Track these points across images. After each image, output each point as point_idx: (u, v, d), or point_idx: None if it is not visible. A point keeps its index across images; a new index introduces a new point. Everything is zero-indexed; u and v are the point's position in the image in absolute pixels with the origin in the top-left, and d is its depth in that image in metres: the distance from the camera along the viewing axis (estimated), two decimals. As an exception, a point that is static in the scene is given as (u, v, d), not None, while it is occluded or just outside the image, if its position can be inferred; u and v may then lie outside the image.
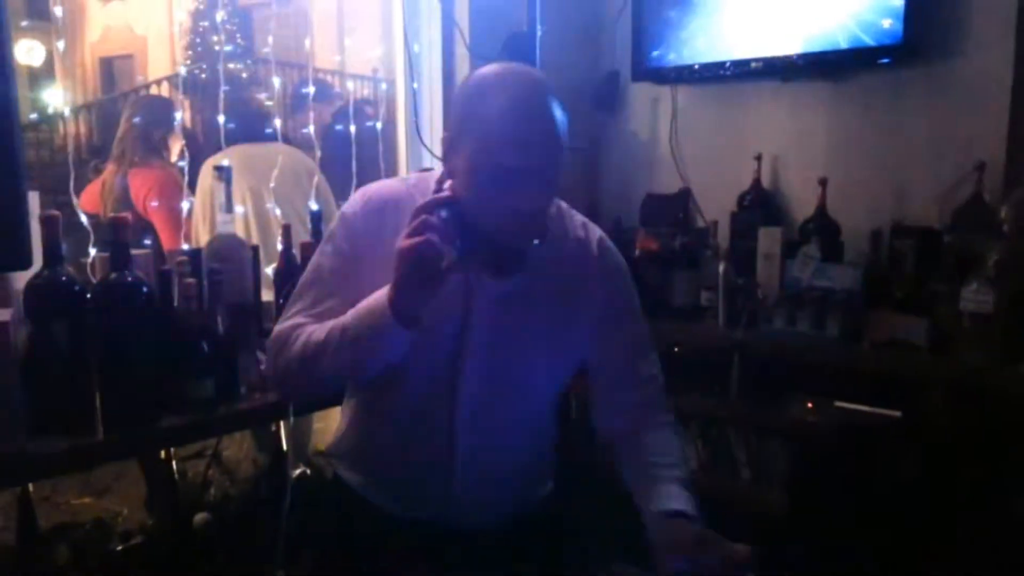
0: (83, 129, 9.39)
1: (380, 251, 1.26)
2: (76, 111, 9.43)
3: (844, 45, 2.38)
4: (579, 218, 1.46)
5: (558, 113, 1.22)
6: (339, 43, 8.65)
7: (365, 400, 1.46)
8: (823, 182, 2.39)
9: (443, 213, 1.17)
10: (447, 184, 1.28)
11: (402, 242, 1.14)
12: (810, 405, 2.23)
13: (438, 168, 1.41)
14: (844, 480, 2.08)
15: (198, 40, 10.67)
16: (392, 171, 2.74)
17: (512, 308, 1.34)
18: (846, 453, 2.09)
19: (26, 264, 1.15)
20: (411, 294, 1.17)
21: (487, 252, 1.26)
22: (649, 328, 1.49)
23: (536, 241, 1.27)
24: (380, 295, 1.20)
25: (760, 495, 2.29)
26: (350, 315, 1.25)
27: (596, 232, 1.46)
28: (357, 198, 1.41)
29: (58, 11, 1.93)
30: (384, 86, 2.85)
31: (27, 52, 10.71)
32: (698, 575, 1.12)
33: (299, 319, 1.33)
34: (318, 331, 1.28)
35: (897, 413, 2.07)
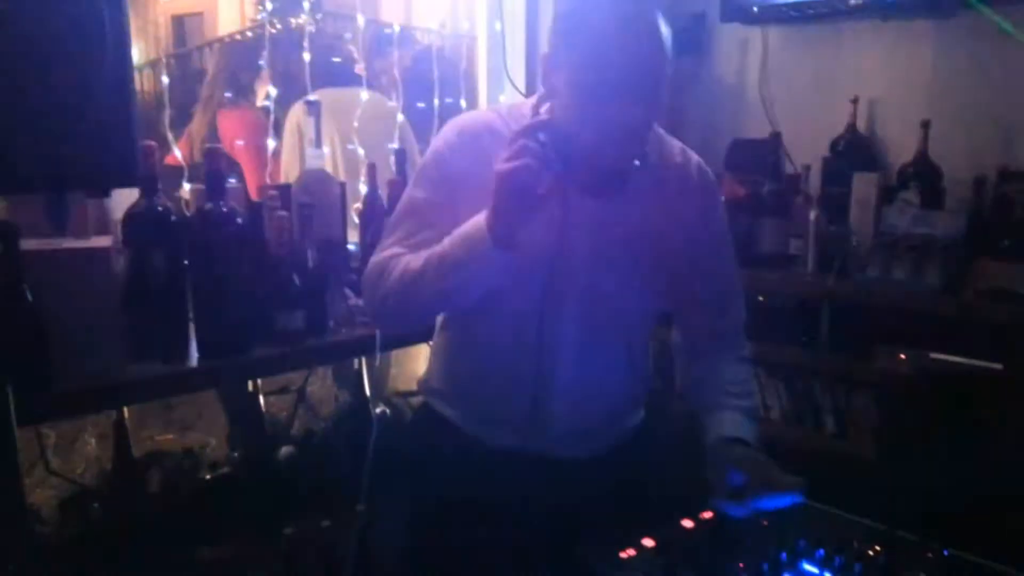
0: (158, 83, 9.53)
1: (476, 181, 1.25)
2: (153, 64, 9.63)
3: (952, -20, 2.25)
4: (677, 144, 1.44)
5: (662, 27, 1.21)
6: None
7: (457, 330, 1.45)
8: (926, 124, 2.27)
9: (541, 136, 1.16)
10: (544, 107, 1.27)
11: (500, 166, 1.14)
12: (902, 356, 2.14)
13: (529, 99, 1.39)
14: (938, 429, 2.00)
15: (269, -6, 10.70)
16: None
17: (610, 230, 1.33)
18: (940, 402, 2.02)
19: (134, 181, 1.16)
20: (509, 218, 1.16)
21: (587, 173, 1.25)
22: (737, 270, 1.52)
23: (637, 162, 1.28)
24: (477, 220, 1.20)
25: (845, 447, 2.23)
26: (447, 242, 1.24)
27: (694, 158, 1.44)
28: (449, 130, 1.39)
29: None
30: (467, 26, 2.80)
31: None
32: (747, 495, 1.18)
33: (395, 249, 1.32)
34: (415, 260, 1.27)
35: (998, 366, 1.98)
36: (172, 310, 1.56)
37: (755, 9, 2.68)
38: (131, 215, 1.52)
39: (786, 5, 2.60)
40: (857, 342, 2.20)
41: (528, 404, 1.36)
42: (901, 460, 2.03)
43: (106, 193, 1.31)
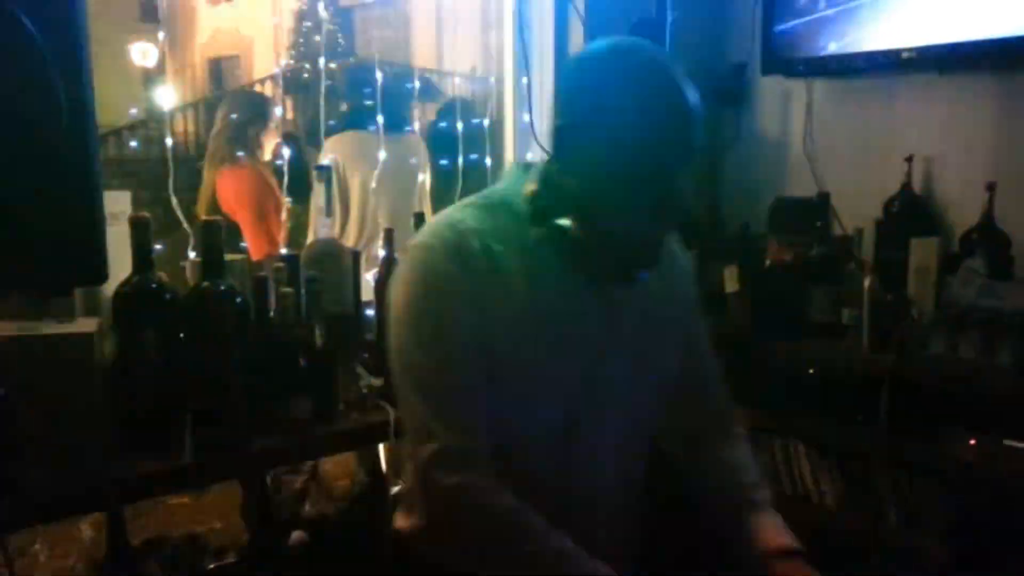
0: (191, 127, 9.61)
1: (504, 287, 1.09)
2: (183, 109, 9.74)
3: (1017, 32, 2.07)
4: None
5: (699, 107, 1.04)
6: (439, 41, 8.59)
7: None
8: (991, 187, 2.09)
9: (566, 222, 1.08)
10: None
11: None
12: (973, 442, 1.94)
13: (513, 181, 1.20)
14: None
15: (301, 40, 10.80)
16: (499, 171, 2.57)
17: (647, 322, 1.19)
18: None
19: (100, 279, 1.02)
20: None
21: (621, 262, 1.12)
22: None
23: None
24: None
25: (911, 541, 2.02)
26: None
27: None
28: (442, 246, 1.10)
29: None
30: (493, 79, 2.68)
31: (141, 55, 11.07)
32: None
33: (465, 457, 1.08)
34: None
35: (1083, 457, 1.77)
36: (165, 399, 1.41)
37: (799, 62, 2.54)
38: (121, 293, 1.38)
39: (832, 58, 2.44)
40: (920, 424, 2.00)
41: (582, 520, 1.17)
42: (976, 567, 1.83)
43: (68, 292, 1.17)
